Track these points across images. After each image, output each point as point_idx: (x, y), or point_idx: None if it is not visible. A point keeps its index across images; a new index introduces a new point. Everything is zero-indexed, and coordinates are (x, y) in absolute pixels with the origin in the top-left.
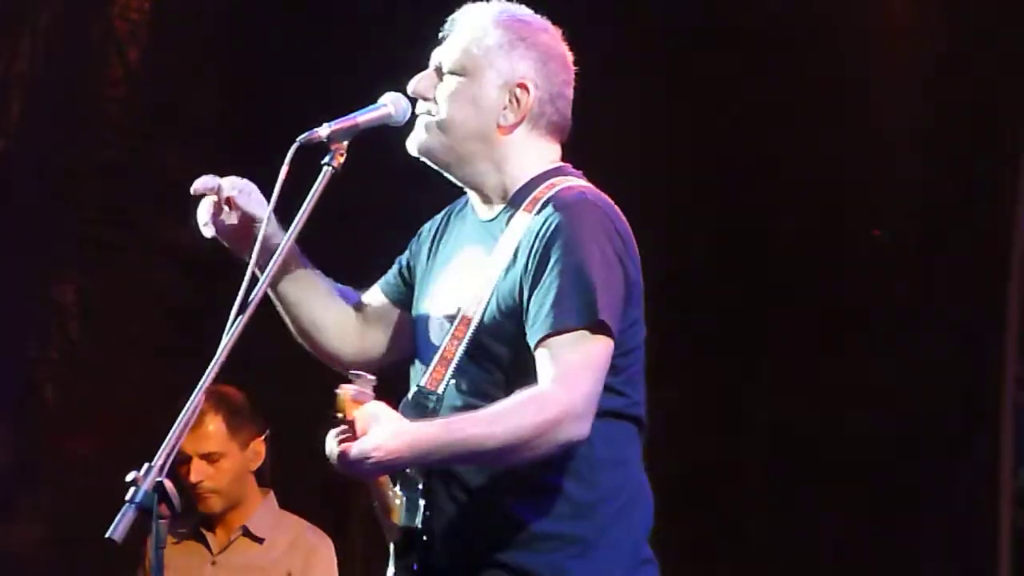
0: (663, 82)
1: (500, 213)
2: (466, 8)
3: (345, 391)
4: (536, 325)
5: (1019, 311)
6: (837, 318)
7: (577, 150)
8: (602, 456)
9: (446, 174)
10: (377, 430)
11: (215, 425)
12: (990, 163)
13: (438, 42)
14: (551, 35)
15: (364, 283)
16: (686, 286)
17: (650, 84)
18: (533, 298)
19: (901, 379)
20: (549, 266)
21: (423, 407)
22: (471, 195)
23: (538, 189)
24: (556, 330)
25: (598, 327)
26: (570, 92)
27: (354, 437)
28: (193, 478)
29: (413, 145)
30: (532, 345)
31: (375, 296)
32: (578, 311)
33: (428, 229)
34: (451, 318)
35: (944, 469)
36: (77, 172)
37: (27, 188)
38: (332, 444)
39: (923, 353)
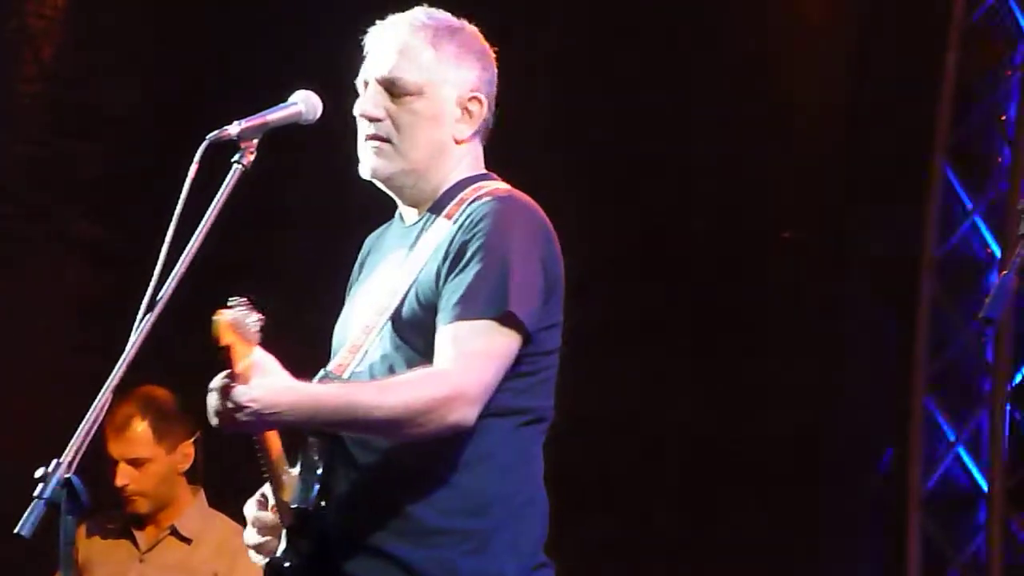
0: (579, 79)
1: (422, 217)
2: (391, 20)
3: (221, 315)
4: (445, 311)
5: (930, 313)
6: (748, 318)
7: (495, 150)
8: (502, 455)
9: (393, 194)
10: (260, 381)
11: (141, 429)
12: (903, 164)
13: (361, 52)
14: (477, 36)
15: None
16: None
17: (565, 82)
18: (447, 286)
19: (813, 380)
20: (467, 257)
21: None
22: (402, 207)
23: (463, 192)
24: (463, 317)
25: (506, 319)
26: (495, 92)
27: (233, 384)
28: (119, 482)
29: (367, 170)
30: (440, 325)
31: None
32: (487, 301)
33: (360, 258)
34: (362, 315)
35: (854, 473)
36: None
37: None
38: (214, 383)
39: (834, 355)
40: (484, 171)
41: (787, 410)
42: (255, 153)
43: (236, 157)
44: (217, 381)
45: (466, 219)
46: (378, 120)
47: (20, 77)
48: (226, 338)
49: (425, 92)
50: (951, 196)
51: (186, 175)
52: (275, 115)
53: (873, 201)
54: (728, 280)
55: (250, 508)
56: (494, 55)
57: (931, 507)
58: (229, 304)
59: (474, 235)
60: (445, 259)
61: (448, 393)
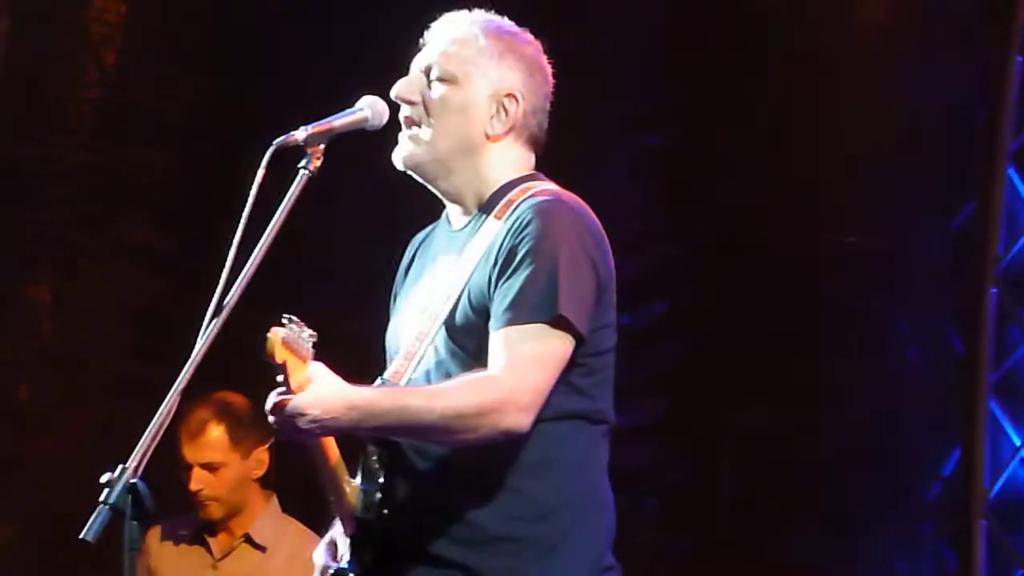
0: (634, 81)
1: (471, 219)
2: (450, 16)
3: (275, 333)
4: (496, 316)
5: (994, 317)
6: (812, 322)
7: (552, 157)
8: (566, 459)
9: (430, 187)
10: (314, 387)
11: (217, 434)
12: (965, 168)
13: (419, 48)
14: (535, 48)
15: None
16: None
17: (622, 84)
18: (498, 291)
19: (875, 385)
20: (516, 260)
21: None
22: (449, 207)
23: (511, 193)
24: (514, 322)
25: (558, 323)
26: (548, 106)
27: (290, 394)
28: (193, 486)
29: (399, 158)
30: (492, 330)
31: None
32: (539, 306)
33: (404, 261)
34: (415, 323)
35: (917, 478)
36: (51, 173)
37: None
38: (270, 397)
39: (896, 359)
40: (532, 172)
41: (848, 414)
42: (321, 159)
43: (303, 163)
44: (273, 395)
45: (514, 221)
46: (412, 103)
47: (81, 83)
48: (280, 355)
49: (459, 81)
50: (1015, 199)
51: (245, 181)
52: (341, 120)
53: (936, 204)
54: (787, 283)
55: (319, 557)
56: (550, 72)
57: (996, 512)
58: (282, 321)
59: (523, 238)
60: (495, 263)
61: (499, 398)
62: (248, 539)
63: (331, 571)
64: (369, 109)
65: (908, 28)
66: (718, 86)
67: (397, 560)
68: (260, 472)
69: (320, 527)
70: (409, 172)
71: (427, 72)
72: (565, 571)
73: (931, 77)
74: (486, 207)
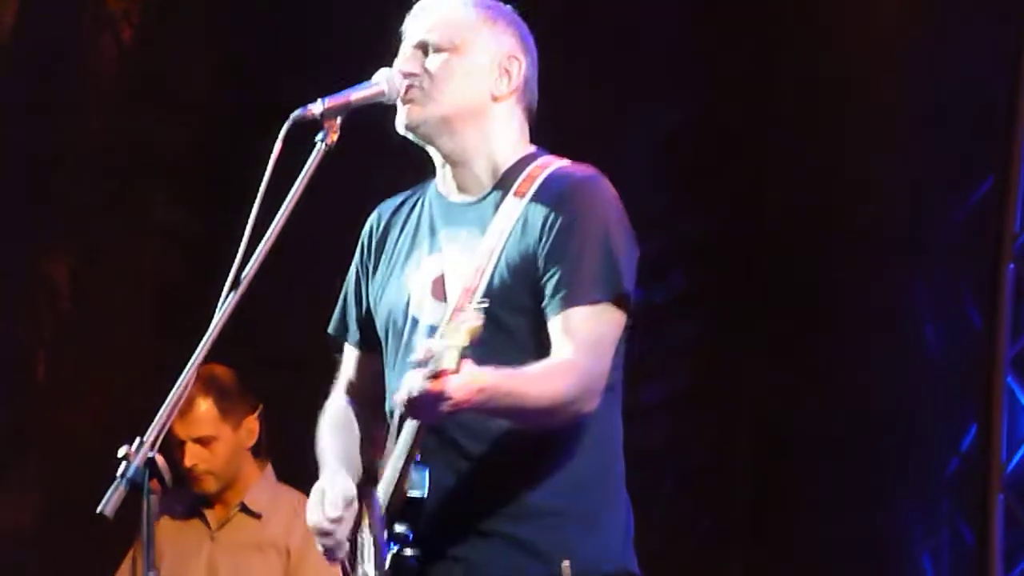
0: (663, 70)
1: (488, 194)
2: None
3: (479, 320)
4: (557, 297)
5: (1011, 293)
6: (831, 298)
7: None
8: (599, 431)
9: (431, 148)
10: (464, 372)
11: (206, 408)
12: (983, 145)
13: (400, 32)
14: (519, 20)
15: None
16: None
17: (651, 72)
18: (556, 267)
19: (893, 362)
20: (570, 233)
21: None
22: (444, 175)
23: (530, 168)
24: (579, 303)
25: (620, 301)
26: (536, 76)
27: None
28: (188, 462)
29: (402, 119)
30: (552, 309)
31: (363, 364)
32: (605, 282)
33: (372, 231)
34: (440, 293)
35: (935, 453)
36: (69, 150)
37: (18, 164)
38: (415, 381)
39: (913, 335)
40: (534, 147)
41: (866, 390)
42: (339, 132)
43: (320, 136)
44: (420, 379)
45: (553, 196)
46: (413, 75)
47: (99, 58)
48: (472, 341)
49: (459, 49)
50: None
51: (264, 155)
52: (358, 94)
53: (954, 181)
54: (805, 261)
55: (311, 511)
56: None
57: (1013, 487)
58: (482, 306)
59: (567, 214)
60: (542, 240)
61: (585, 383)
62: (244, 508)
63: (392, 550)
64: (386, 83)
65: (930, 7)
66: (740, 65)
67: (450, 537)
68: (251, 441)
69: None
70: (410, 134)
71: (422, 47)
72: (605, 540)
73: (951, 55)
74: (503, 182)
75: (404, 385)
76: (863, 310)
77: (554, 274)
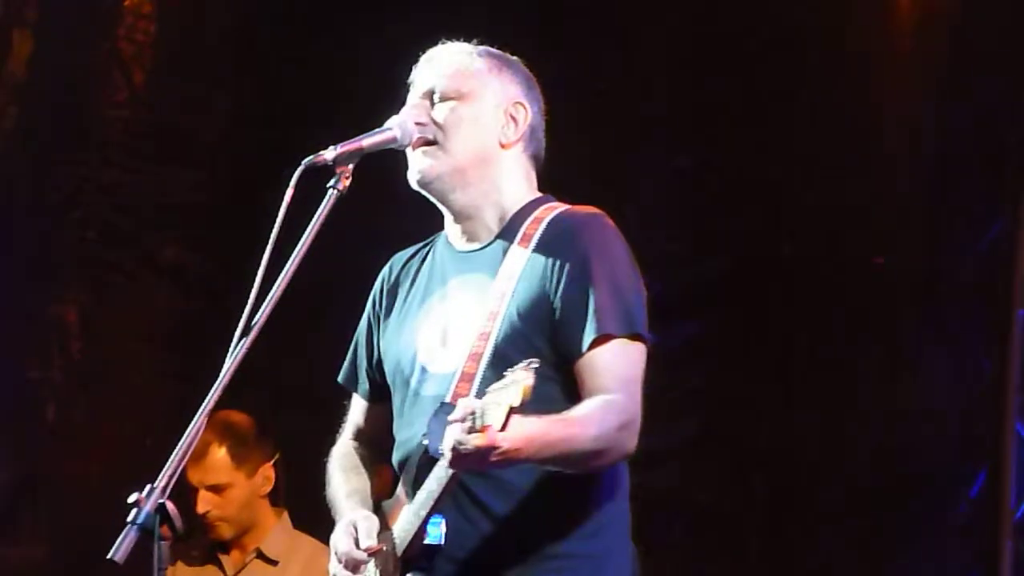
0: (663, 99)
1: (493, 241)
2: (440, 47)
3: (527, 380)
4: (584, 334)
5: (1022, 336)
6: (841, 342)
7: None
8: (607, 477)
9: (442, 205)
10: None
11: (220, 456)
12: (995, 187)
13: (408, 82)
14: (526, 69)
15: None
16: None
17: (654, 103)
18: (570, 307)
19: (903, 405)
20: (585, 275)
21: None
22: (453, 228)
23: (536, 212)
24: (606, 338)
25: (635, 336)
26: (544, 125)
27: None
28: (200, 509)
29: (416, 173)
30: (577, 351)
31: (370, 414)
32: (623, 318)
33: (385, 282)
34: (446, 340)
35: (945, 499)
36: (79, 192)
37: (28, 207)
38: (460, 435)
39: (924, 380)
40: (541, 193)
41: (876, 434)
42: (350, 178)
43: (332, 182)
44: (469, 433)
45: (562, 238)
46: (422, 124)
47: (111, 102)
48: (524, 400)
49: (467, 97)
50: None
51: (275, 201)
52: (370, 140)
53: (966, 224)
54: (817, 304)
55: (341, 541)
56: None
57: (1023, 533)
58: (532, 367)
59: (576, 254)
60: (553, 280)
61: (625, 420)
62: (260, 554)
63: None
64: (398, 129)
65: (940, 49)
66: (749, 107)
67: None
68: (267, 488)
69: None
70: (423, 190)
71: (429, 96)
72: None
73: (961, 98)
74: (510, 227)
75: (448, 437)
76: (874, 355)
77: (574, 316)
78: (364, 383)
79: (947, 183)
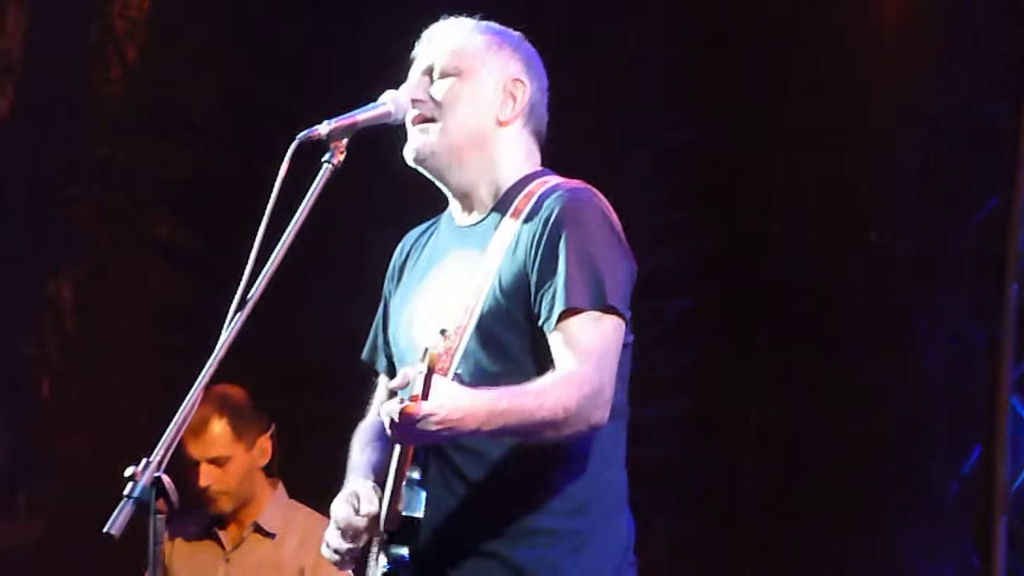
0: (660, 81)
1: (487, 215)
2: (442, 22)
3: (438, 346)
4: (553, 308)
5: (1015, 312)
6: (834, 319)
7: (576, 153)
8: (595, 452)
9: (439, 182)
10: (440, 392)
11: (220, 429)
12: (987, 165)
13: (410, 57)
14: (527, 43)
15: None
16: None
17: (646, 83)
18: (547, 283)
19: (896, 383)
20: (557, 249)
21: None
22: (454, 203)
23: (529, 186)
24: (573, 311)
25: (607, 309)
26: (546, 100)
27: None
28: (202, 482)
29: (412, 151)
30: (548, 325)
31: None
32: (592, 292)
33: (397, 259)
34: (440, 315)
35: (938, 473)
36: (73, 169)
37: (23, 185)
38: (389, 406)
39: (917, 355)
40: (541, 167)
41: (870, 412)
42: (345, 153)
43: (326, 157)
44: (395, 404)
45: (542, 213)
46: (421, 101)
47: (104, 79)
48: (431, 366)
49: (465, 74)
50: None
51: (269, 177)
52: (364, 115)
53: (958, 201)
54: (809, 281)
55: (341, 510)
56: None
57: (1017, 509)
58: (441, 332)
59: (559, 228)
60: (532, 255)
61: (587, 391)
62: (257, 528)
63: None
64: (393, 104)
65: (932, 28)
66: (741, 83)
67: (439, 556)
68: (264, 461)
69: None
70: (419, 167)
71: (428, 72)
72: (596, 563)
73: (954, 76)
74: (503, 202)
75: (384, 411)
76: (867, 331)
77: (546, 290)
78: (383, 359)
79: (939, 159)
